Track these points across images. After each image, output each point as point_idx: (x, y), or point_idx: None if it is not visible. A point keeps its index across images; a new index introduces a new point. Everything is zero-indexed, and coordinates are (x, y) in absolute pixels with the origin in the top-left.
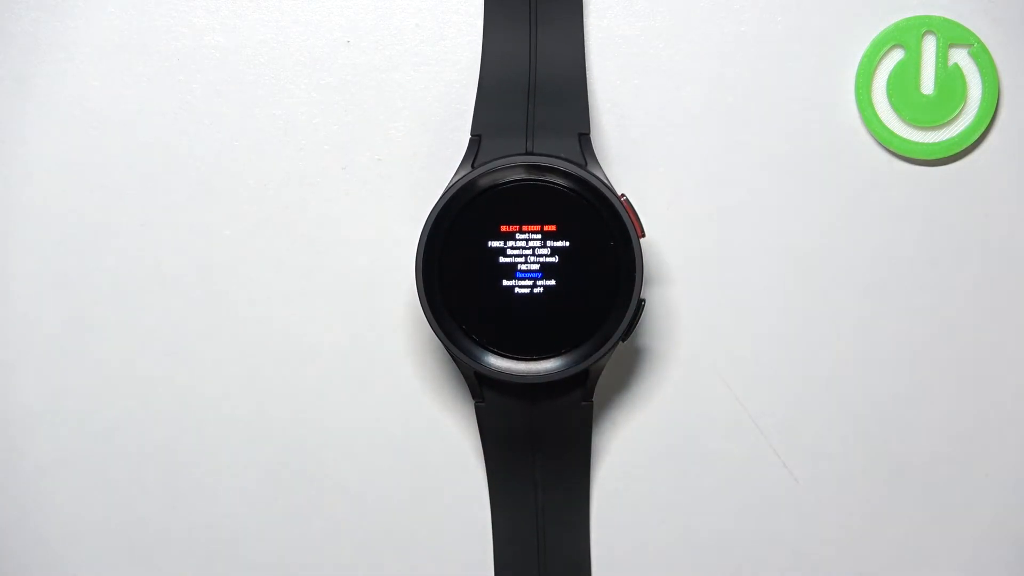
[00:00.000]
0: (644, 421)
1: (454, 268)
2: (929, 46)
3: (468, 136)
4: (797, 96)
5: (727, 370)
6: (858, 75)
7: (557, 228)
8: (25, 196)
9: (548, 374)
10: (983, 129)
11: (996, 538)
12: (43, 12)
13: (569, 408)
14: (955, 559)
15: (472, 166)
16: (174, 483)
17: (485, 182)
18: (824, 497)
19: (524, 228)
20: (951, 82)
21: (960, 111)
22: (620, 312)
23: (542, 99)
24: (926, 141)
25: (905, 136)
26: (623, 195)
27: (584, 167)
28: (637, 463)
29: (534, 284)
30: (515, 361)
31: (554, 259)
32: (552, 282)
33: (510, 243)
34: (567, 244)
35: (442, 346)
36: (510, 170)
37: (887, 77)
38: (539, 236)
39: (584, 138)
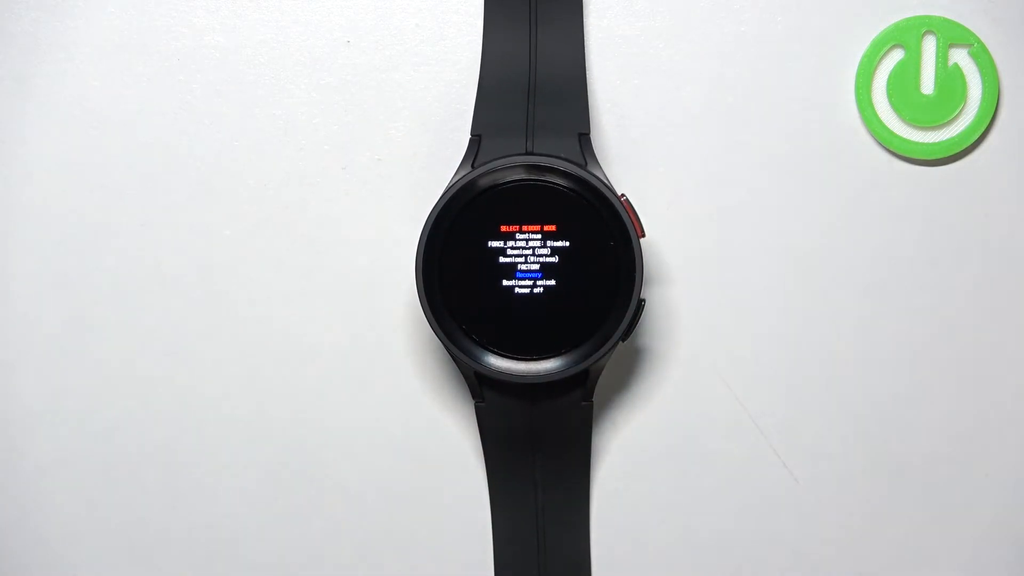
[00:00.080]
0: (644, 421)
1: (454, 268)
2: (929, 46)
3: (468, 136)
4: (797, 96)
5: (727, 370)
6: (858, 75)
7: (557, 228)
8: (25, 196)
9: (548, 374)
10: (983, 129)
11: (996, 538)
12: (43, 12)
13: (569, 408)
14: (955, 559)
15: (472, 166)
16: (174, 483)
17: (485, 182)
18: (824, 497)
19: (524, 228)
20: (951, 82)
21: (960, 111)
22: (620, 312)
23: (542, 99)
24: (926, 141)
25: (905, 136)
26: (623, 195)
27: (584, 167)
28: (637, 463)
29: (534, 284)
30: (515, 361)
31: (554, 259)
32: (552, 282)
33: (510, 243)
34: (567, 244)
35: (442, 346)
36: (510, 170)
37: (887, 77)
38: (539, 236)
39: (584, 138)
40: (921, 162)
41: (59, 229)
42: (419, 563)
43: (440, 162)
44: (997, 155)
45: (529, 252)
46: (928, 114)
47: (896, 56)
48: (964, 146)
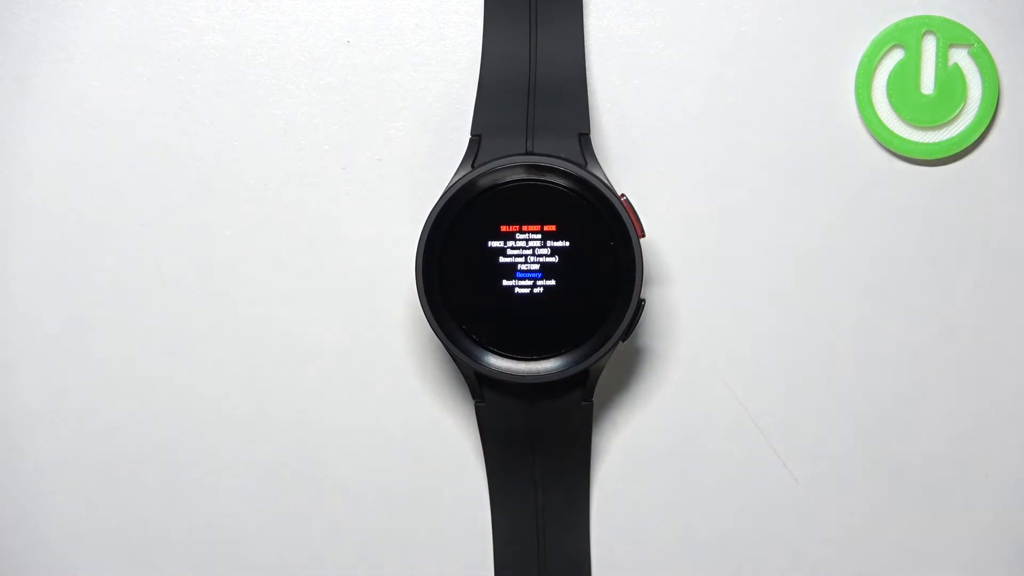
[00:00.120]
0: (644, 421)
1: (454, 268)
2: (929, 46)
3: (468, 136)
4: (797, 96)
5: (727, 370)
6: (858, 75)
7: (557, 228)
8: (25, 196)
9: (548, 374)
10: (983, 129)
11: (996, 538)
12: (43, 12)
13: (569, 408)
14: (955, 559)
15: (472, 166)
16: (174, 483)
17: (485, 182)
18: (824, 497)
19: (524, 228)
20: (951, 82)
21: (960, 111)
22: (620, 312)
23: (542, 99)
24: (926, 141)
25: (905, 136)
26: (623, 195)
27: (584, 167)
28: (637, 463)
29: (534, 284)
30: (515, 361)
31: (554, 259)
32: (552, 282)
33: (510, 243)
34: (567, 244)
35: (442, 346)
36: (510, 170)
37: (887, 77)
38: (539, 236)
39: (584, 138)
40: (921, 162)
41: (59, 229)
42: (419, 563)
43: (440, 162)
44: (997, 155)
45: (529, 252)
46: (928, 114)
47: (896, 56)
48: (964, 146)
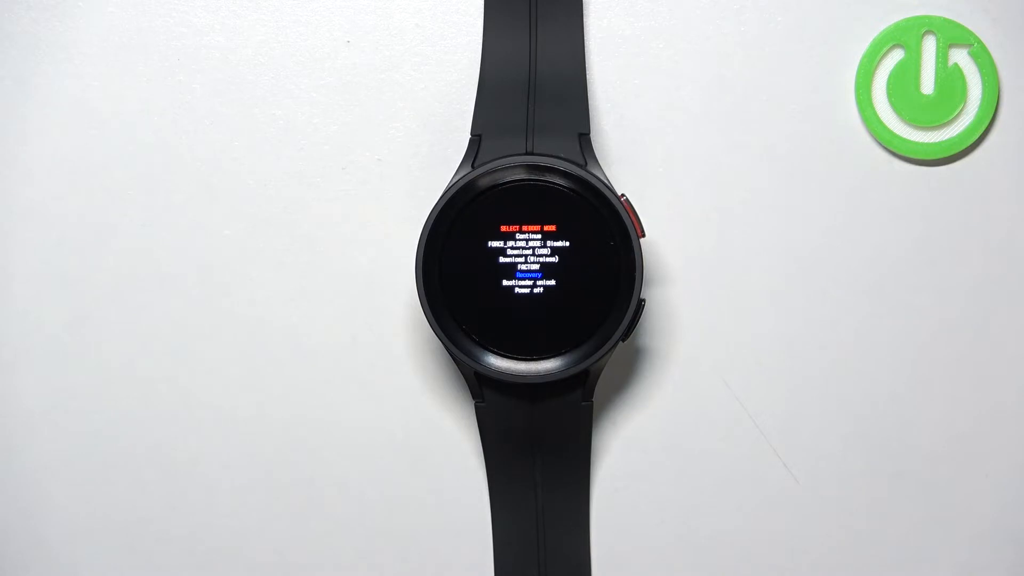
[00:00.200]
0: (644, 421)
1: (454, 268)
2: (929, 46)
3: (468, 136)
4: (797, 96)
5: (727, 370)
6: (858, 75)
7: (557, 228)
8: (25, 196)
9: (548, 374)
10: (983, 129)
11: (996, 538)
12: (43, 12)
13: (569, 408)
14: (955, 559)
15: (472, 166)
16: (174, 483)
17: (485, 182)
18: (824, 497)
19: (524, 228)
20: (951, 82)
21: (960, 111)
22: (620, 312)
23: (542, 99)
24: (926, 141)
25: (905, 136)
26: (623, 195)
27: (584, 167)
28: (637, 463)
29: (534, 284)
30: (515, 361)
31: (554, 259)
32: (552, 282)
33: (510, 243)
34: (567, 244)
35: (442, 346)
36: (510, 170)
37: (887, 77)
38: (539, 236)
39: (584, 138)
40: (921, 162)
41: (59, 229)
42: (419, 563)
43: (440, 162)
44: (997, 155)
45: (529, 252)
46: (928, 114)
47: (896, 56)
48: (964, 146)
